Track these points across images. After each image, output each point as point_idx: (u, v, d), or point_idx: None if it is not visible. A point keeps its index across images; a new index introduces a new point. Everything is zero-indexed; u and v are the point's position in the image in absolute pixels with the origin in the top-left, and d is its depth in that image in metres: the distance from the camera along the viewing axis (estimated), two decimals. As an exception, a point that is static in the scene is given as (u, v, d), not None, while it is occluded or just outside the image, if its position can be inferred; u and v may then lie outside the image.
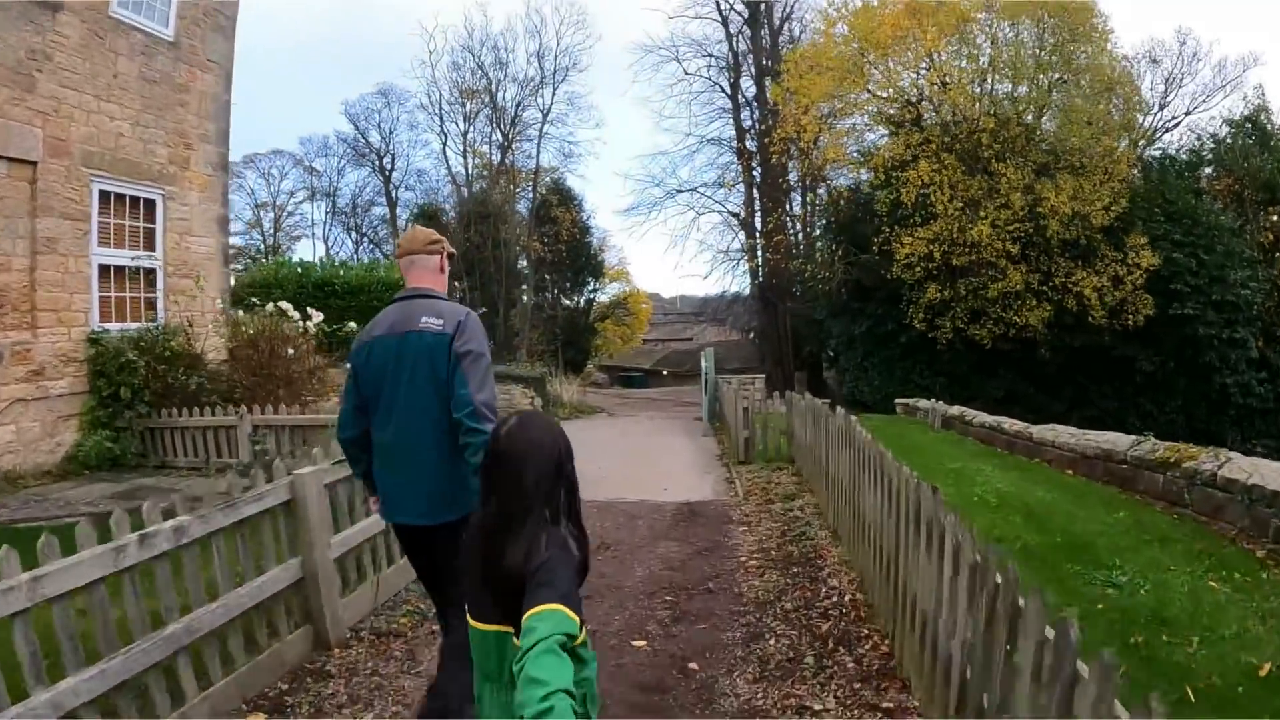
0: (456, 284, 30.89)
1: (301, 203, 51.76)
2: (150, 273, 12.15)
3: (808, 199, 32.52)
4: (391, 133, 46.83)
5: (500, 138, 39.70)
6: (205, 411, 10.50)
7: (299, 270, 23.83)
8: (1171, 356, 23.17)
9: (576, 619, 2.03)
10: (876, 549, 5.16)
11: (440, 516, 3.49)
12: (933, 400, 18.17)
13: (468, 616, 2.44)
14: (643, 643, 5.26)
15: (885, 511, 4.80)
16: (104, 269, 11.47)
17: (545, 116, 39.65)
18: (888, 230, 23.08)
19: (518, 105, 40.30)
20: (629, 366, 55.37)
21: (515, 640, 2.09)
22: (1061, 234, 21.89)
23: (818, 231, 30.01)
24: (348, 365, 3.97)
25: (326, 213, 50.69)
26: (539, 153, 39.31)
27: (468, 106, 40.53)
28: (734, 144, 34.17)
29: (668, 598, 6.13)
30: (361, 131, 46.69)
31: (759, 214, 33.22)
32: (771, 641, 5.17)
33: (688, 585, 6.40)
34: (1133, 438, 8.94)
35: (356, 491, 5.61)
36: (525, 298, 37.76)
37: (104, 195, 11.40)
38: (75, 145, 10.82)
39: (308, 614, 5.18)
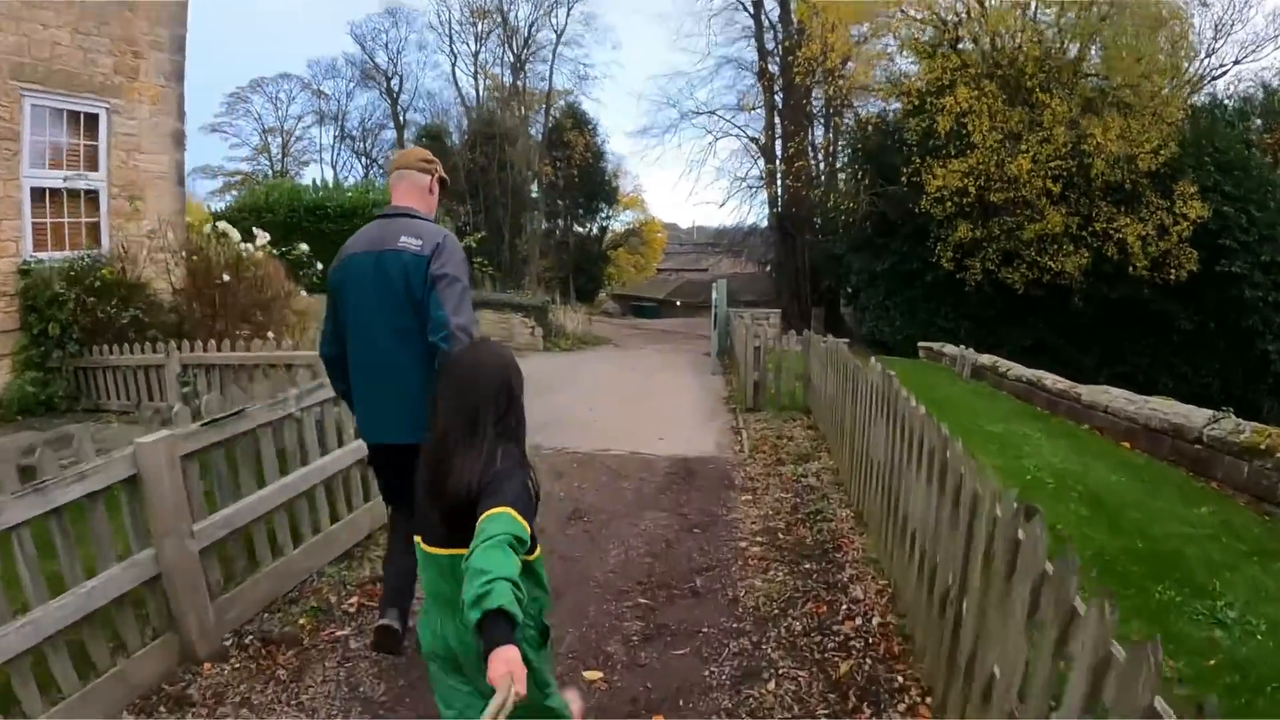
0: (461, 208, 29.35)
1: (310, 127, 49.91)
2: (93, 195, 10.71)
3: (831, 124, 30.40)
4: (399, 54, 44.79)
5: (512, 58, 37.65)
6: (137, 349, 9.13)
7: (291, 193, 22.44)
8: (1212, 317, 21.51)
9: (525, 524, 2.07)
10: (924, 565, 3.80)
11: (421, 435, 2.99)
12: (961, 346, 16.68)
13: (418, 541, 2.41)
14: (597, 674, 3.96)
15: (946, 523, 3.41)
16: (39, 192, 10.07)
17: (559, 37, 37.62)
18: (918, 161, 21.33)
19: (531, 25, 38.25)
20: (642, 296, 53.99)
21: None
22: (1106, 175, 20.06)
23: (842, 160, 28.11)
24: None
25: (335, 137, 48.88)
26: (552, 75, 37.47)
27: (479, 26, 38.51)
28: (755, 66, 31.77)
29: (642, 599, 4.81)
30: (369, 53, 44.70)
31: (779, 140, 30.94)
32: (771, 685, 3.82)
33: (670, 581, 5.07)
34: (1208, 413, 7.54)
35: (243, 457, 4.45)
36: (535, 223, 36.10)
37: (38, 111, 9.97)
38: (1, 57, 9.38)
39: (169, 620, 3.93)
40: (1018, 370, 12.98)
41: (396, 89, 44.44)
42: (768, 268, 45.03)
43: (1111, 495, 6.33)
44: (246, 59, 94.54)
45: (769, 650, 4.14)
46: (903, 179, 21.55)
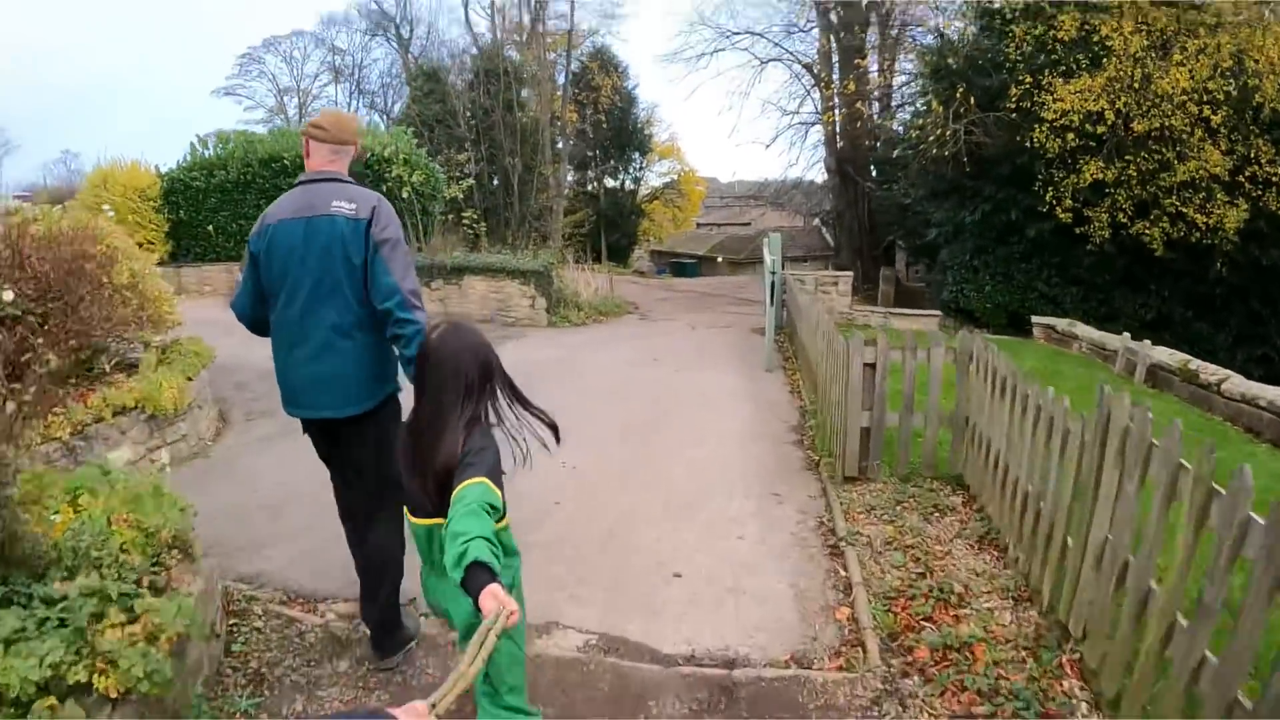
0: (459, 155, 24.17)
1: (326, 85, 45.05)
2: None
3: (896, 42, 24.28)
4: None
5: None
6: None
7: (245, 145, 18.43)
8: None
9: (499, 493, 2.18)
10: None
11: (360, 405, 3.32)
12: (1125, 336, 11.51)
13: (406, 512, 2.56)
14: None
15: None
16: None
17: None
18: (1027, 80, 15.83)
19: None
20: (680, 253, 48.78)
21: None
22: (1275, 103, 14.47)
23: (918, 84, 22.10)
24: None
25: (351, 94, 43.78)
26: (573, 9, 31.73)
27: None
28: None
29: None
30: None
31: (837, 68, 24.77)
32: None
33: None
34: None
35: None
36: (559, 175, 30.86)
37: None
38: None
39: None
40: (1242, 385, 7.93)
41: (407, 36, 39.05)
42: (818, 220, 39.67)
43: None
44: (259, 18, 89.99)
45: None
46: (1011, 101, 15.97)
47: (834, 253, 26.05)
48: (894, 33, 23.88)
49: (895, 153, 22.05)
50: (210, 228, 18.62)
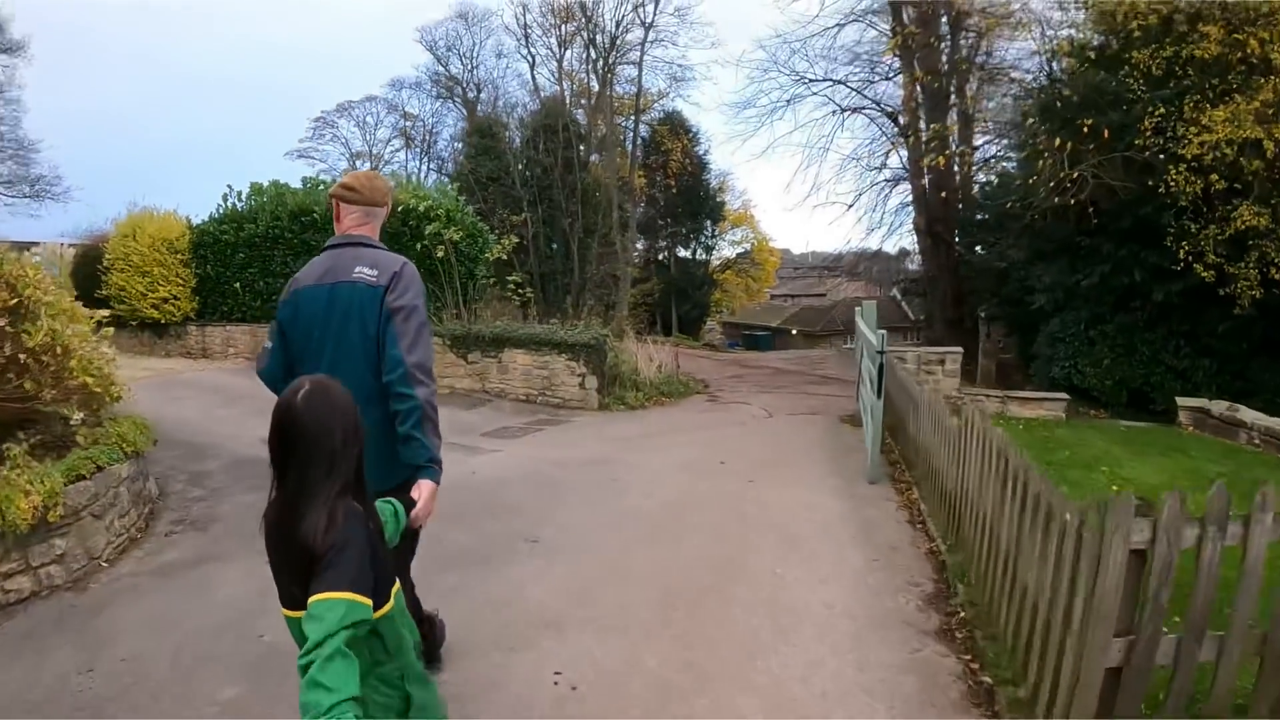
0: (514, 216, 22.09)
1: (398, 151, 43.96)
2: None
3: (976, 84, 21.37)
4: (475, 60, 38.05)
5: (595, 56, 30.13)
6: None
7: (275, 197, 16.75)
8: None
9: (366, 600, 1.85)
10: None
11: (376, 484, 2.52)
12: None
13: (281, 605, 2.10)
14: None
15: None
16: None
17: (648, 29, 29.81)
18: (1159, 112, 12.96)
19: (618, 24, 30.73)
20: (754, 324, 46.33)
21: None
22: None
23: (1008, 135, 19.17)
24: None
25: (421, 159, 42.64)
26: (641, 72, 29.83)
27: (562, 30, 31.31)
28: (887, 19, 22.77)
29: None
30: (442, 62, 38.17)
31: (924, 118, 21.47)
32: None
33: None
34: None
35: None
36: (624, 240, 28.69)
37: None
38: None
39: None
40: None
41: (474, 98, 37.64)
42: (894, 290, 36.84)
43: None
44: (333, 84, 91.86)
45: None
46: (1140, 139, 13.06)
47: (924, 324, 23.02)
48: (975, 80, 21.12)
49: (978, 215, 19.21)
50: (238, 285, 16.88)
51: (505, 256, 15.01)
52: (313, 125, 44.52)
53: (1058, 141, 13.53)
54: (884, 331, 7.39)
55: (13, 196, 35.73)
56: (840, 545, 5.75)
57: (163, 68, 79.38)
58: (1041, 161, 13.96)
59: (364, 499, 2.10)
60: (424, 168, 42.64)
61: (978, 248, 22.36)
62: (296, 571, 1.91)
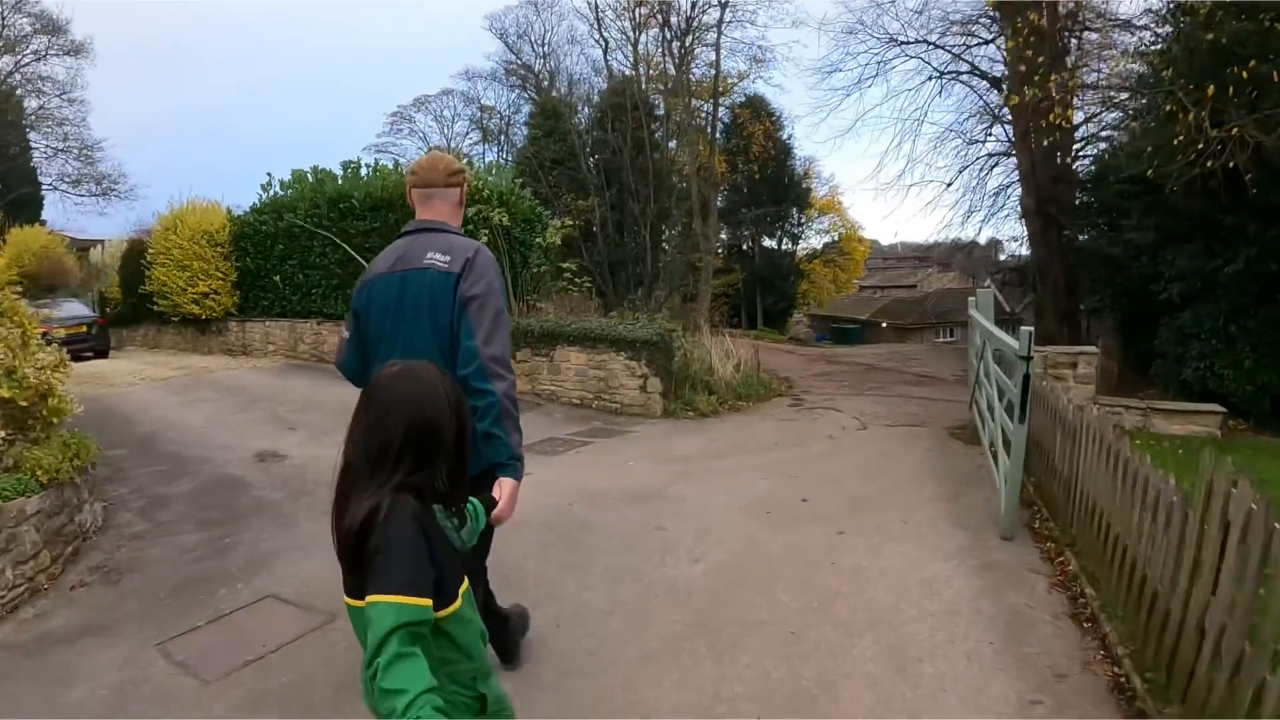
0: (580, 201, 20.18)
1: (475, 144, 42.53)
2: None
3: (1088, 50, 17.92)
4: (547, 46, 36.14)
5: (669, 37, 27.78)
6: None
7: (314, 186, 15.50)
8: None
9: (422, 602, 1.67)
10: None
11: None
12: None
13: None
14: None
15: None
16: None
17: (724, 8, 27.18)
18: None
19: (694, 4, 28.16)
20: (842, 317, 43.80)
21: None
22: None
23: (1130, 97, 15.91)
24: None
25: (499, 151, 41.19)
26: (719, 54, 27.32)
27: (637, 13, 29.13)
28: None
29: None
30: (514, 50, 36.40)
31: (1033, 78, 17.12)
32: None
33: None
34: None
35: None
36: (706, 229, 26.58)
37: None
38: None
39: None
40: None
41: (546, 86, 35.73)
42: (989, 281, 33.81)
43: None
44: (409, 81, 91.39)
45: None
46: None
47: (1034, 318, 20.21)
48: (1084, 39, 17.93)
49: (1079, 196, 16.18)
50: (277, 278, 15.52)
51: (560, 242, 13.17)
52: (390, 120, 43.63)
53: (1210, 90, 10.84)
54: (1029, 329, 5.23)
55: (80, 195, 35.83)
56: (978, 665, 3.67)
57: (251, 73, 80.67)
58: (1180, 121, 11.33)
59: (453, 500, 1.94)
60: (507, 157, 41.36)
61: (1083, 234, 19.58)
62: (344, 559, 1.79)
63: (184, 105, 77.30)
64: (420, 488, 1.80)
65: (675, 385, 11.29)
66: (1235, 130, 10.03)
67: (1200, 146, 10.65)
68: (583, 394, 11.44)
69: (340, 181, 14.76)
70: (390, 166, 15.50)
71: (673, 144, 27.14)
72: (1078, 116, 19.62)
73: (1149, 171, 12.45)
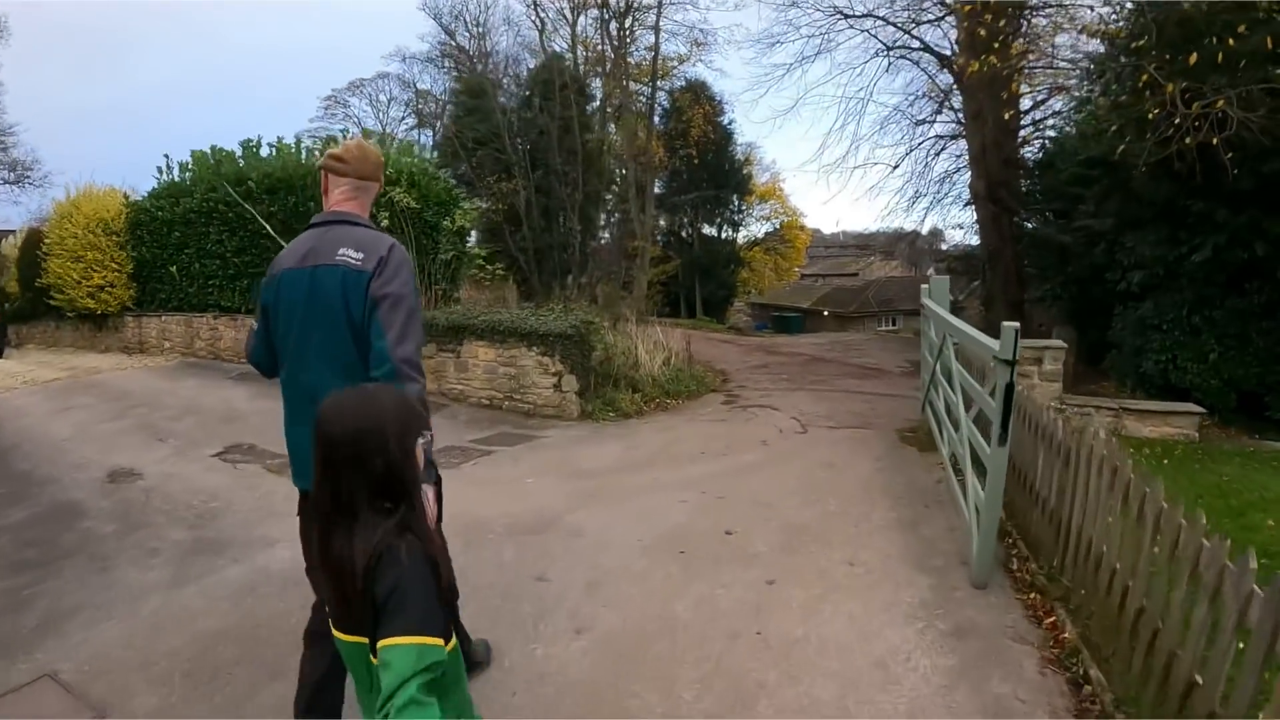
0: (504, 184, 18.73)
1: (411, 129, 40.54)
2: None
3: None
4: (483, 27, 34.27)
5: (607, 18, 26.30)
6: None
7: (211, 166, 13.93)
8: None
9: (438, 641, 1.63)
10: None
11: None
12: None
13: (332, 626, 1.87)
14: None
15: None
16: None
17: None
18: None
19: None
20: (784, 305, 42.79)
21: (373, 658, 1.65)
22: None
23: (1086, 78, 14.91)
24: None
25: (433, 135, 39.39)
26: (658, 36, 25.95)
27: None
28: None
29: None
30: (449, 31, 34.57)
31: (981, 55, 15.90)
32: None
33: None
34: None
35: None
36: (643, 216, 25.27)
37: None
38: None
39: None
40: None
41: (480, 70, 33.91)
42: (931, 270, 33.10)
43: None
44: (346, 63, 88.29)
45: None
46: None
47: (984, 307, 19.22)
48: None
49: (1026, 182, 15.12)
50: (173, 269, 13.98)
51: (469, 225, 11.77)
52: (324, 104, 41.43)
53: (1193, 57, 9.77)
54: (1014, 325, 4.07)
55: (-4, 182, 33.30)
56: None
57: (188, 61, 77.47)
58: (1147, 100, 10.30)
59: (418, 517, 1.79)
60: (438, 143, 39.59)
61: (1030, 221, 18.75)
62: (337, 594, 1.72)
63: (123, 95, 73.63)
64: (396, 508, 1.73)
65: (595, 383, 10.04)
66: (1219, 102, 8.97)
67: (1176, 121, 9.60)
68: (492, 394, 10.11)
69: (239, 163, 13.22)
70: (291, 144, 13.91)
71: (611, 128, 25.86)
72: (1025, 103, 18.75)
73: (1119, 151, 11.47)
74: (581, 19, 26.40)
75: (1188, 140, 9.19)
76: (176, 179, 14.30)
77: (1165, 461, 7.21)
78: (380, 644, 1.59)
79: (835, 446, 7.81)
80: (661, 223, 33.04)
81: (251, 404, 10.04)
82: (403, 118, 40.53)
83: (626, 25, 26.64)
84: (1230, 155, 9.96)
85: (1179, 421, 9.04)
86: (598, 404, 9.81)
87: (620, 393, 10.25)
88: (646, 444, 8.11)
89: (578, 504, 5.84)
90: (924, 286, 8.49)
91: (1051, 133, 19.06)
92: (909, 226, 25.73)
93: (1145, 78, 10.26)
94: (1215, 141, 8.96)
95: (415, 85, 38.80)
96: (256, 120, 79.91)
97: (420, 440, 1.84)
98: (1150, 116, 9.78)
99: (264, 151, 13.69)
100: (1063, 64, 15.42)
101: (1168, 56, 10.25)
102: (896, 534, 5.13)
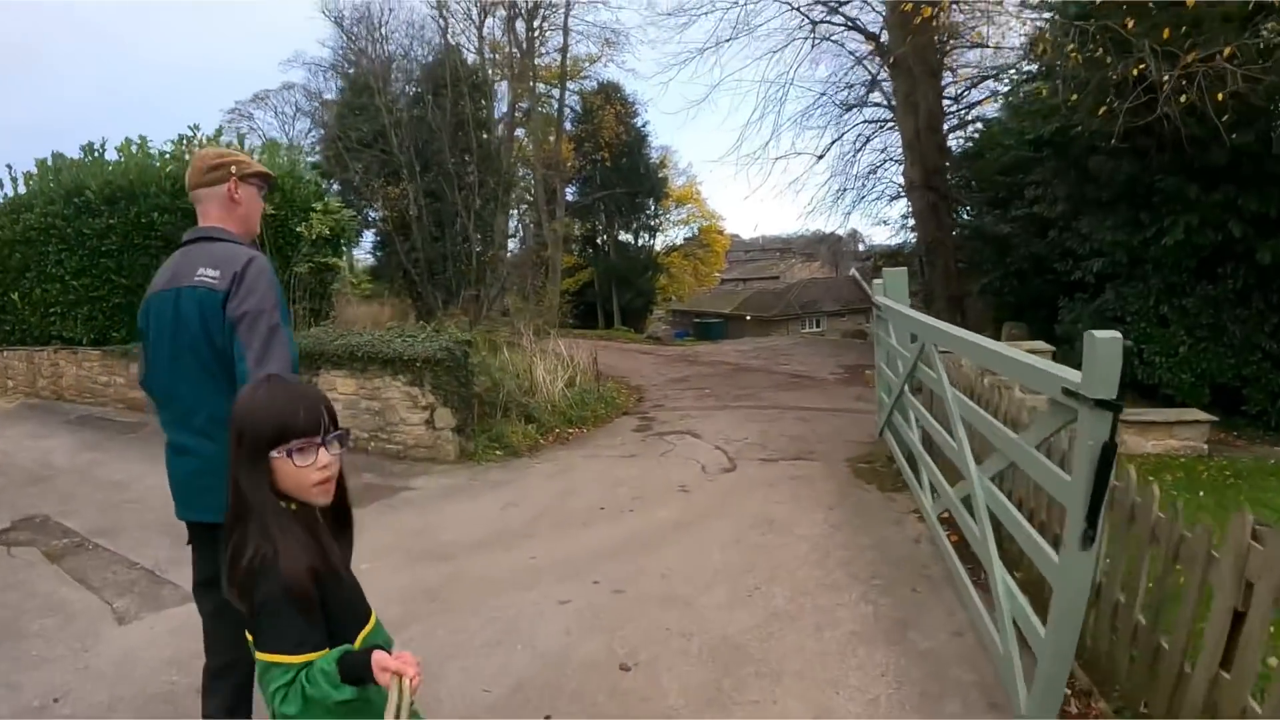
0: (392, 188, 16.73)
1: (317, 143, 38.01)
2: None
3: None
4: (384, 30, 31.90)
5: (513, 15, 24.43)
6: None
7: (49, 176, 11.81)
8: None
9: (296, 658, 1.42)
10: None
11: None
12: None
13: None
14: None
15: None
16: None
17: None
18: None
19: None
20: (704, 311, 41.45)
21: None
22: None
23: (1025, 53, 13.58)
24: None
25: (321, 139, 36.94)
26: (567, 35, 24.24)
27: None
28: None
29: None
30: (350, 36, 32.09)
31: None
32: None
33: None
34: None
35: None
36: (554, 224, 23.35)
37: None
38: None
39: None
40: None
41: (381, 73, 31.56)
42: (854, 270, 31.99)
43: None
44: (252, 72, 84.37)
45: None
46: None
47: (923, 304, 17.72)
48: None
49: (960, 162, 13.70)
50: (15, 295, 11.86)
51: (329, 231, 9.81)
52: (228, 117, 38.57)
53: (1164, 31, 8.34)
54: (1113, 335, 2.29)
55: None
56: None
57: (106, 75, 72.84)
58: (1109, 64, 8.86)
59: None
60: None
61: (964, 213, 17.54)
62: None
63: (42, 111, 68.50)
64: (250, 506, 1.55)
65: (479, 414, 8.12)
66: (1228, 50, 7.51)
67: (1165, 80, 8.13)
68: (356, 433, 8.10)
69: (81, 171, 11.03)
70: (135, 144, 11.69)
71: (520, 132, 24.05)
72: (950, 92, 17.50)
73: (1075, 127, 10.09)
74: (489, 20, 24.53)
75: (1183, 99, 7.71)
76: (23, 192, 12.03)
77: (1201, 493, 5.59)
78: (256, 655, 1.47)
79: (773, 490, 6.02)
80: (576, 230, 31.23)
81: (73, 459, 7.90)
82: (309, 130, 38.05)
83: (535, 25, 24.88)
84: (1195, 130, 8.70)
85: (1184, 433, 7.61)
86: (481, 441, 7.90)
87: (511, 425, 8.36)
88: (532, 497, 6.19)
89: (413, 614, 3.91)
90: (877, 282, 6.76)
91: (979, 124, 17.95)
92: (833, 223, 24.41)
93: (1106, 38, 8.80)
94: (1220, 97, 7.46)
95: (321, 95, 36.41)
96: (169, 136, 75.72)
97: None
98: (1132, 75, 8.27)
99: (110, 155, 11.56)
100: (1003, 45, 14.04)
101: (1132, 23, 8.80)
102: (881, 651, 3.33)
